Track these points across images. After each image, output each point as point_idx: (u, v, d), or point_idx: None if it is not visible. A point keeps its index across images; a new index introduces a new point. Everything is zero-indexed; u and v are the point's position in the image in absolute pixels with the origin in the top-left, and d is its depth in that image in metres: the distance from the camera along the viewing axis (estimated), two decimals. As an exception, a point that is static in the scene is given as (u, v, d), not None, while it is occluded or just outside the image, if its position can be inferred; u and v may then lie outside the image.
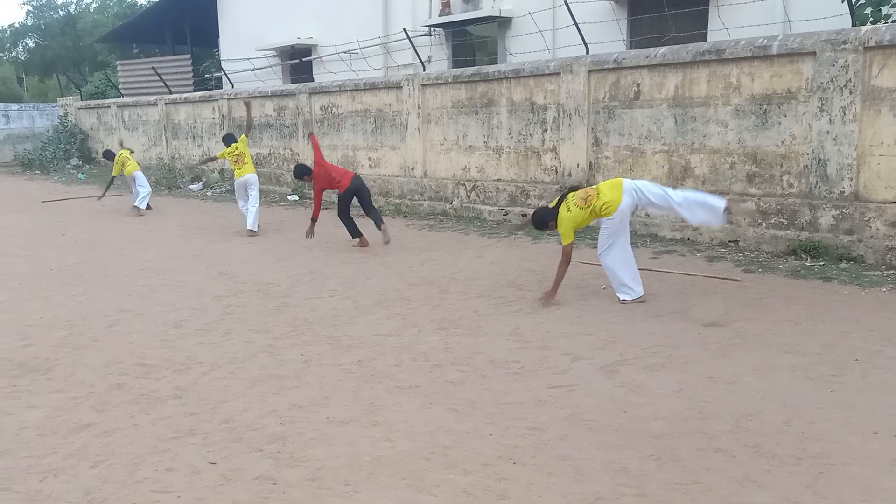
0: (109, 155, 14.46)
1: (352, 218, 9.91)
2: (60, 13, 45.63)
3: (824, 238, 8.04)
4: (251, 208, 11.19)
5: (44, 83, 51.71)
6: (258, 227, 11.22)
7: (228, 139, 11.68)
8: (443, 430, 4.08)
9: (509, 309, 6.56)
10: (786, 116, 8.32)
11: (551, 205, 6.76)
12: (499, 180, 11.57)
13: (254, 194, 11.22)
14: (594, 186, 6.66)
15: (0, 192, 18.47)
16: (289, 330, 6.10)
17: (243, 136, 11.49)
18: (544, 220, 6.66)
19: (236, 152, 11.29)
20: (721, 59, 8.74)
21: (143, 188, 13.95)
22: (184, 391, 4.77)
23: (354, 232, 9.86)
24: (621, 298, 6.62)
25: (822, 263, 7.77)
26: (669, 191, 6.54)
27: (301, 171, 9.88)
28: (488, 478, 3.55)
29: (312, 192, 9.89)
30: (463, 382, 4.81)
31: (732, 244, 8.76)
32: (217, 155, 11.91)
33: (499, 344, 5.59)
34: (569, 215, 6.48)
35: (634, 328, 5.88)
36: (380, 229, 9.52)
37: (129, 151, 14.42)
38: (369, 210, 9.88)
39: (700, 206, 6.39)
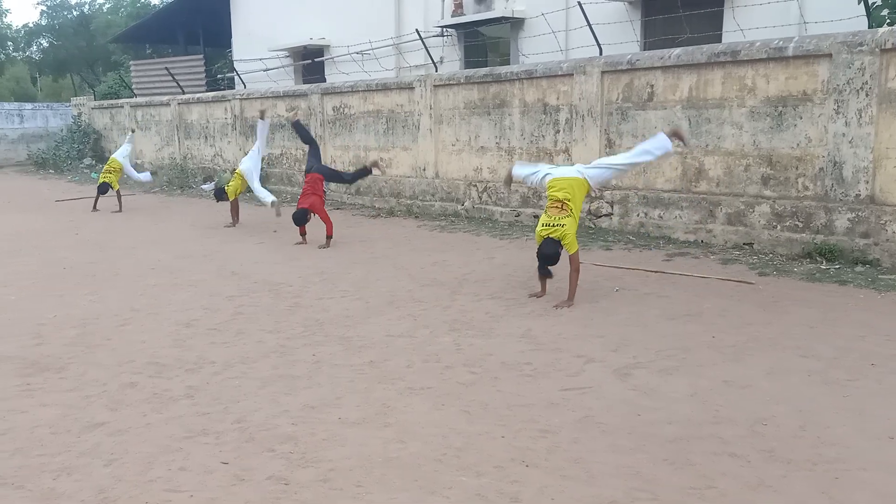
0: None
1: (340, 173, 11.00)
2: (74, 13, 45.92)
3: (840, 241, 7.98)
4: (255, 185, 11.44)
5: (57, 83, 52.05)
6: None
7: (220, 193, 11.96)
8: (454, 432, 4.07)
9: (521, 311, 6.54)
10: (801, 118, 8.26)
11: (544, 236, 6.68)
12: (510, 181, 11.52)
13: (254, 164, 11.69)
14: (552, 200, 6.76)
15: (14, 192, 18.61)
16: (300, 330, 6.10)
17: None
18: (556, 251, 6.64)
19: (239, 177, 11.73)
20: (736, 61, 8.68)
21: (133, 173, 14.87)
22: (196, 391, 4.77)
23: (358, 174, 10.81)
24: None
25: (837, 267, 7.70)
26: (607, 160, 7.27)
27: (302, 217, 10.01)
28: (500, 480, 3.54)
29: (321, 216, 10.02)
30: (475, 384, 4.80)
31: (747, 247, 8.70)
32: (231, 198, 11.99)
33: (511, 345, 5.57)
34: (567, 228, 6.56)
35: (648, 331, 5.84)
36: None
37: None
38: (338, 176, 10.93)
39: (644, 153, 6.99)
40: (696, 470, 3.59)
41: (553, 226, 6.58)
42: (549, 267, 6.79)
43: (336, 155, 15.00)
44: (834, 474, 3.51)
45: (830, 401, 4.38)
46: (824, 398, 4.42)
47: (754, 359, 5.13)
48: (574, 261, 6.62)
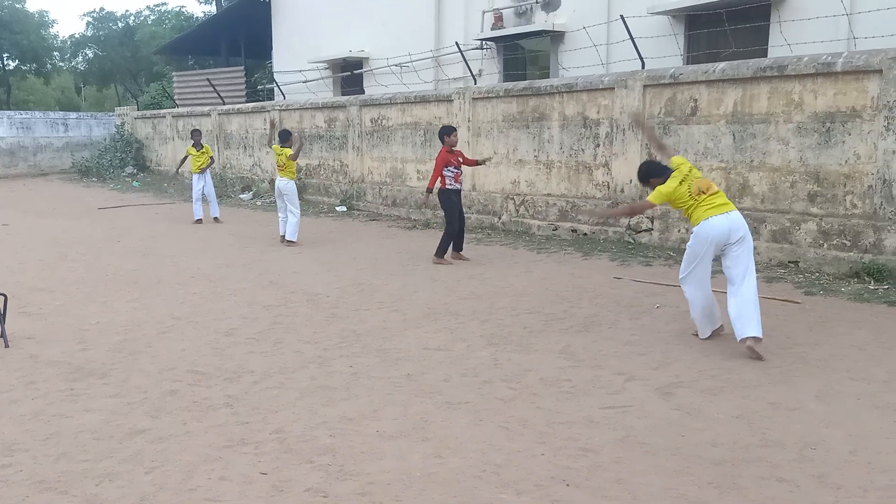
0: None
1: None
2: (119, 25, 47.01)
3: (889, 261, 7.75)
4: (289, 216, 11.07)
5: (101, 93, 53.30)
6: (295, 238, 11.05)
7: (284, 135, 11.45)
8: (494, 449, 4.02)
9: (560, 326, 6.46)
10: (850, 135, 8.07)
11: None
12: (549, 195, 11.47)
13: (288, 204, 11.02)
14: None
15: (59, 199, 19.02)
16: (338, 341, 6.10)
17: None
18: (647, 174, 5.98)
19: (280, 153, 11.13)
20: (783, 76, 8.53)
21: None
22: (235, 400, 4.79)
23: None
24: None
25: (886, 287, 7.49)
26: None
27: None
28: (541, 499, 3.48)
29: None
30: (514, 400, 4.74)
31: (792, 265, 8.51)
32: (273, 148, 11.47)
33: (549, 361, 5.50)
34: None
35: (690, 349, 5.73)
36: None
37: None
38: None
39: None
40: (743, 495, 3.49)
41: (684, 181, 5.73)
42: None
43: (373, 166, 15.08)
44: (887, 501, 3.40)
45: (882, 425, 4.25)
46: (876, 422, 4.29)
47: (802, 381, 5.00)
48: (641, 205, 6.36)
